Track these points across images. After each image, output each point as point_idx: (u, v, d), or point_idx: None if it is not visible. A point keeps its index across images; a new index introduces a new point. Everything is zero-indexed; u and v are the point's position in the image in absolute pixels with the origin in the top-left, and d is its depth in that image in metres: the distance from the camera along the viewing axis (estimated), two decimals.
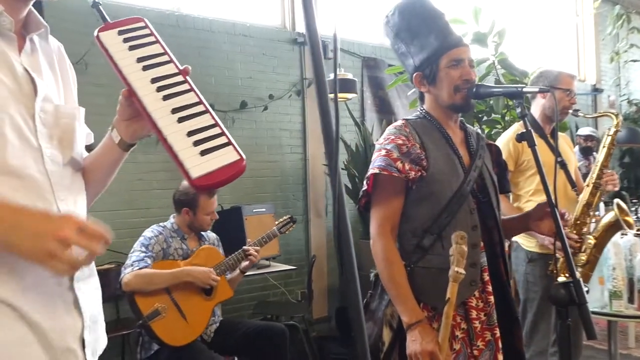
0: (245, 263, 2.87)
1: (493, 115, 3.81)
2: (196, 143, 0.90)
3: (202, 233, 2.91)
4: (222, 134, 0.93)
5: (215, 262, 2.78)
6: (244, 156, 0.92)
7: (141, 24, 1.02)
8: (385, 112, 5.24)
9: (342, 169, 4.60)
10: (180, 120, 0.92)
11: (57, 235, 0.84)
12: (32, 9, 1.07)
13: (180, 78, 0.98)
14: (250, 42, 4.56)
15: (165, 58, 1.00)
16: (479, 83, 1.67)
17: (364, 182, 1.65)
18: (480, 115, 3.85)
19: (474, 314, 1.60)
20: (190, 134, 0.91)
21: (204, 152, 0.90)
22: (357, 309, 0.77)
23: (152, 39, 1.01)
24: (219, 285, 2.74)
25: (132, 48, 0.97)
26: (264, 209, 3.95)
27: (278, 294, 4.42)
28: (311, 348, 3.58)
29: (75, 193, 1.09)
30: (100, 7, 1.06)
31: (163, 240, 2.73)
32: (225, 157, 0.91)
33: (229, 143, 0.93)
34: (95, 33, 0.98)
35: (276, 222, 3.15)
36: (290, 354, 3.00)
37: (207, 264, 2.76)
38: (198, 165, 0.88)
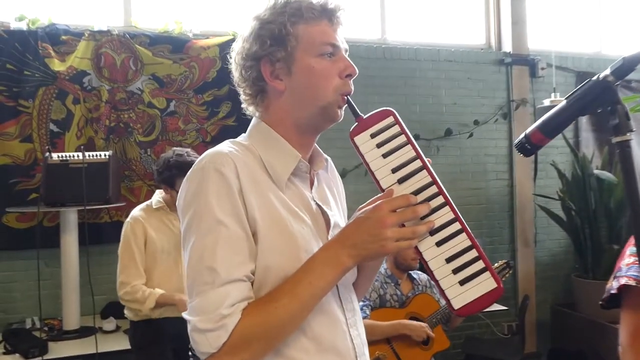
0: None
1: None
2: (455, 271, 0.94)
3: (413, 275, 2.96)
4: (479, 257, 0.95)
5: (431, 311, 2.82)
6: (500, 283, 0.95)
7: (391, 121, 1.02)
8: (606, 132, 4.73)
9: (555, 199, 4.30)
10: (439, 243, 0.95)
11: (385, 225, 0.92)
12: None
13: (434, 189, 0.97)
14: (454, 67, 4.50)
15: (418, 164, 0.99)
16: None
17: (611, 282, 1.49)
18: None
19: None
20: (449, 260, 0.95)
21: (463, 282, 0.95)
22: None
23: (402, 139, 1.00)
24: (435, 335, 2.78)
25: (385, 155, 0.99)
26: None
27: (483, 325, 4.33)
28: None
29: (355, 306, 1.16)
30: (351, 101, 1.06)
31: (379, 287, 2.84)
32: (483, 285, 0.95)
33: (485, 269, 0.95)
34: (350, 132, 1.02)
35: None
36: None
37: (422, 312, 2.82)
38: (459, 296, 0.95)
